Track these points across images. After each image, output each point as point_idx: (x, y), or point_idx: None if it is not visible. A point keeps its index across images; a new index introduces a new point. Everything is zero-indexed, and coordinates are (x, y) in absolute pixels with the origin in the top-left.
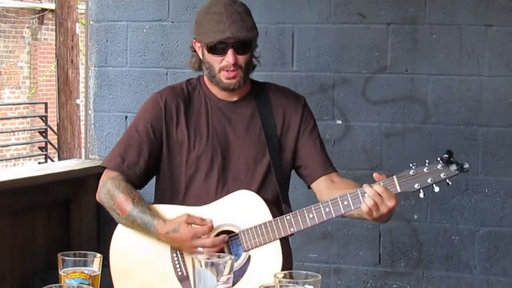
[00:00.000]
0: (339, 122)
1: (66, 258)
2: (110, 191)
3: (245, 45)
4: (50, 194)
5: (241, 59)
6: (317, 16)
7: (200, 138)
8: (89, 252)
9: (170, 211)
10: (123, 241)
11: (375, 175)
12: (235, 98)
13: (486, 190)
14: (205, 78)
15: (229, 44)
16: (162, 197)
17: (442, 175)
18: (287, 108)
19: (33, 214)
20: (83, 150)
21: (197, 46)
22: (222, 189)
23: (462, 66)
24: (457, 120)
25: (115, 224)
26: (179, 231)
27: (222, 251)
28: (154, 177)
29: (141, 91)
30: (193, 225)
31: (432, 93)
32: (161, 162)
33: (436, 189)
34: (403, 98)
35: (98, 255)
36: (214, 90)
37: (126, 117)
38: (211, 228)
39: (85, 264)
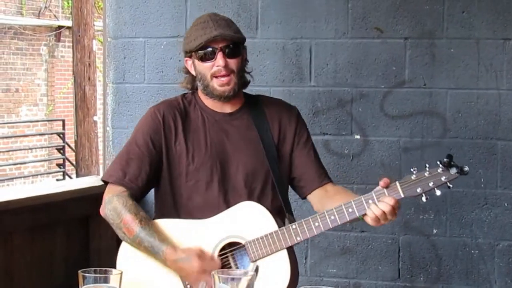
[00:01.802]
0: (358, 137)
1: (86, 275)
2: (117, 209)
3: (234, 48)
4: (69, 211)
5: (232, 62)
6: (334, 31)
7: (199, 151)
8: (109, 269)
9: (176, 226)
10: (129, 259)
11: (380, 183)
12: (230, 110)
13: (505, 204)
14: (200, 93)
15: (217, 48)
16: (163, 209)
17: (443, 179)
18: (282, 119)
19: (52, 231)
20: (101, 166)
21: (189, 64)
22: (222, 200)
23: (480, 80)
24: (475, 134)
25: None
26: (190, 261)
27: (227, 263)
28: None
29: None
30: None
31: (451, 107)
32: (161, 174)
33: (438, 192)
34: (422, 113)
35: (119, 271)
36: (209, 103)
37: None
38: (219, 267)
39: (105, 280)
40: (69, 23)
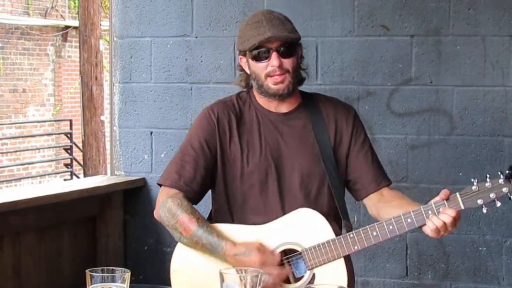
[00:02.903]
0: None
1: (94, 274)
2: (172, 210)
3: (288, 48)
4: (76, 211)
5: (286, 62)
6: (340, 29)
7: (253, 152)
8: (117, 268)
9: (233, 231)
10: (183, 261)
11: (441, 195)
12: (285, 110)
13: None
14: (255, 92)
15: (271, 48)
16: (220, 210)
17: (504, 190)
18: (338, 119)
19: (59, 231)
20: (108, 166)
21: (243, 62)
22: (278, 202)
23: (486, 76)
24: (482, 131)
25: (141, 241)
26: (251, 255)
27: (281, 264)
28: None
29: (165, 106)
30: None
31: (457, 104)
32: (216, 176)
33: (498, 204)
34: (428, 110)
35: (127, 270)
36: (264, 103)
37: (151, 133)
38: (279, 261)
39: (113, 280)
40: (75, 23)
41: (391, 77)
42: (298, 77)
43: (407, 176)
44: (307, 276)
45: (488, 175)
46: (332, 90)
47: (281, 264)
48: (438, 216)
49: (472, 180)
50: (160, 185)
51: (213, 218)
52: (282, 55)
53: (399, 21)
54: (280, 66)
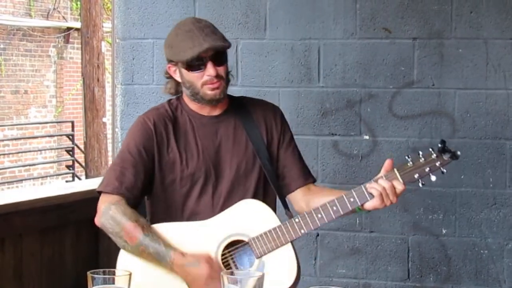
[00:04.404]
0: (366, 137)
1: (95, 276)
2: (116, 218)
3: (222, 56)
4: (78, 212)
5: (221, 70)
6: (342, 31)
7: (191, 156)
8: (119, 270)
9: (175, 230)
10: (129, 266)
11: (381, 172)
12: (217, 113)
13: None
14: (185, 98)
15: (206, 58)
16: (156, 217)
17: (437, 164)
18: (267, 119)
19: (62, 232)
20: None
21: (172, 70)
22: (218, 202)
23: (488, 80)
24: (484, 134)
25: None
26: (199, 267)
27: (227, 264)
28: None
29: None
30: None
31: (459, 107)
32: (154, 182)
33: (433, 178)
34: (430, 113)
35: (128, 272)
36: (196, 107)
37: None
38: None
39: (114, 281)
40: (77, 24)
41: (393, 80)
42: (228, 81)
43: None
44: (256, 264)
45: (420, 152)
46: (334, 93)
47: (227, 245)
48: (377, 183)
49: (407, 157)
50: (100, 193)
51: (152, 220)
52: (217, 63)
53: (401, 24)
54: (217, 74)
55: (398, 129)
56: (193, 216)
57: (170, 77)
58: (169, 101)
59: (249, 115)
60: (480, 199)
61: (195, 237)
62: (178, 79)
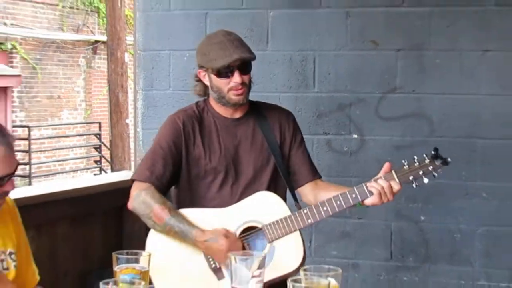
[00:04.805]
0: (355, 136)
1: (120, 256)
2: (146, 201)
3: (247, 66)
4: (105, 202)
5: (245, 78)
6: (335, 44)
7: (214, 152)
8: (140, 251)
9: (200, 215)
10: (157, 243)
11: (381, 172)
12: (238, 116)
13: (484, 194)
14: (211, 101)
15: (234, 67)
16: (182, 204)
17: (430, 168)
18: (282, 122)
19: (90, 219)
20: (132, 163)
21: (202, 75)
22: (236, 192)
23: (463, 86)
24: (458, 133)
25: None
26: (218, 241)
27: (243, 247)
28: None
29: None
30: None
31: (437, 110)
32: (181, 174)
33: (426, 180)
34: (411, 115)
35: (148, 253)
36: (220, 110)
37: None
38: (242, 246)
39: (136, 261)
40: (104, 38)
41: (379, 86)
42: (250, 87)
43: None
44: (267, 248)
45: (415, 157)
46: (328, 97)
47: (242, 230)
48: (377, 183)
49: (403, 161)
50: (133, 181)
51: (179, 206)
52: (243, 72)
53: (387, 37)
54: (242, 82)
55: (383, 129)
56: (214, 204)
57: (199, 80)
58: (197, 103)
59: (265, 118)
60: (454, 190)
61: (215, 221)
62: (207, 83)
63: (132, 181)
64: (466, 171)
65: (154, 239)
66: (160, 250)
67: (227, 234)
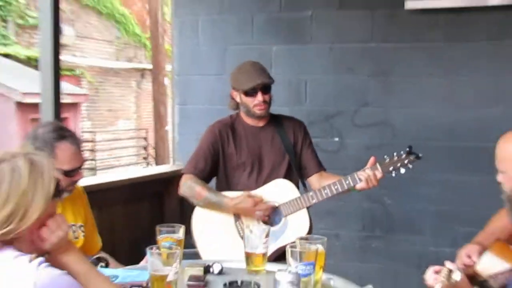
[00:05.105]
0: (337, 139)
1: (161, 228)
2: (191, 186)
3: (268, 88)
4: (150, 188)
5: (266, 97)
6: (321, 70)
7: (243, 151)
8: (176, 224)
9: (231, 194)
10: (200, 216)
11: (368, 164)
12: (261, 125)
13: (433, 183)
14: (241, 113)
15: (257, 88)
16: (220, 189)
17: (405, 161)
18: (295, 129)
19: (139, 201)
20: (171, 159)
21: (234, 94)
22: (260, 180)
23: (417, 102)
24: (413, 137)
25: (191, 208)
26: (243, 201)
27: (268, 219)
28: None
29: (208, 122)
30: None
31: (398, 120)
32: (219, 168)
33: (402, 170)
34: (379, 124)
35: (183, 226)
36: (248, 120)
37: (198, 140)
38: (262, 200)
39: (173, 232)
40: (149, 66)
41: (354, 102)
42: (271, 103)
43: (363, 166)
44: (282, 221)
45: (395, 153)
46: (316, 110)
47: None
48: (365, 172)
49: (385, 156)
50: (183, 174)
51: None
52: (264, 93)
53: (360, 65)
54: (264, 101)
55: (357, 134)
56: (243, 189)
57: (232, 98)
58: (231, 115)
59: (282, 126)
60: (411, 180)
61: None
62: (238, 100)
63: (182, 173)
64: (420, 166)
65: (198, 213)
66: (202, 222)
67: (250, 195)
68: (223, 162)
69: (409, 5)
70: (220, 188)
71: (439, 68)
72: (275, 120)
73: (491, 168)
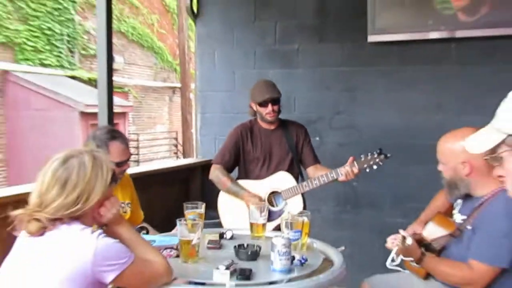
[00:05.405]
0: (317, 139)
1: (187, 205)
2: (218, 176)
3: (276, 100)
4: (180, 175)
5: (275, 107)
6: (306, 88)
7: (258, 148)
8: (199, 202)
9: (248, 183)
10: (224, 196)
11: (348, 162)
12: (272, 128)
13: (391, 172)
14: (258, 119)
15: (268, 101)
16: (240, 177)
17: (377, 160)
18: (298, 132)
19: (171, 186)
20: (194, 154)
21: (252, 104)
22: (269, 171)
23: (377, 112)
24: (374, 138)
25: (210, 190)
26: (252, 200)
27: (271, 203)
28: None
29: (222, 126)
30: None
31: (363, 124)
32: (240, 160)
33: (374, 167)
34: (349, 127)
35: (204, 203)
36: (262, 124)
37: (215, 139)
38: (256, 195)
39: (196, 208)
40: (179, 85)
41: (331, 111)
42: (280, 112)
43: (338, 160)
44: (283, 203)
45: (369, 153)
46: (303, 117)
47: (269, 201)
48: (345, 168)
49: (361, 155)
50: (212, 163)
51: (238, 178)
52: (273, 104)
53: (335, 84)
54: (273, 110)
55: (332, 135)
56: (256, 177)
57: (251, 107)
58: (250, 120)
59: (288, 129)
60: (372, 172)
61: (257, 187)
62: (255, 109)
63: (212, 163)
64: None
65: (222, 196)
66: (225, 202)
67: (256, 195)
68: (242, 156)
69: (370, 38)
70: (240, 175)
71: (393, 85)
72: (283, 125)
73: (434, 160)
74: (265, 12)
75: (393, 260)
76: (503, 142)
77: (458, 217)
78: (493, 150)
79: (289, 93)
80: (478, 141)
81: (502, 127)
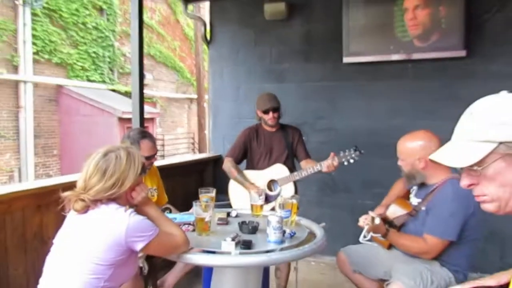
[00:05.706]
0: (305, 138)
1: (202, 190)
2: (229, 167)
3: (276, 109)
4: (196, 168)
5: (275, 114)
6: (294, 99)
7: (261, 145)
8: (210, 188)
9: (251, 173)
10: (233, 183)
11: (330, 157)
12: (273, 130)
13: (361, 163)
14: (262, 123)
15: (269, 110)
16: (247, 167)
17: (353, 155)
18: (293, 133)
19: (190, 176)
20: (208, 150)
21: (257, 111)
22: (270, 164)
23: (351, 116)
24: (349, 137)
25: (222, 178)
26: (253, 188)
27: (270, 188)
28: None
29: (230, 127)
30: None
31: (340, 127)
32: (247, 155)
33: (351, 161)
34: (329, 129)
35: (215, 189)
36: (266, 127)
37: (223, 138)
38: (255, 186)
39: (209, 192)
40: (195, 96)
41: (315, 116)
42: (280, 118)
43: (322, 154)
44: (278, 189)
45: (346, 150)
46: (292, 121)
47: (269, 187)
48: (327, 161)
49: (341, 152)
50: (225, 156)
51: (246, 168)
52: (274, 112)
53: (317, 95)
54: (273, 117)
55: (316, 136)
56: (259, 168)
57: (257, 114)
58: (257, 124)
59: (286, 131)
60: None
61: (259, 177)
62: (259, 115)
63: (216, 158)
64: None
65: (232, 184)
66: (235, 188)
67: (252, 183)
68: (249, 151)
69: (345, 60)
70: (248, 166)
71: (363, 96)
72: (282, 128)
73: (394, 155)
74: (263, 39)
75: (364, 236)
76: (492, 151)
77: (414, 200)
78: (481, 161)
79: (281, 102)
80: (458, 155)
81: (493, 137)
